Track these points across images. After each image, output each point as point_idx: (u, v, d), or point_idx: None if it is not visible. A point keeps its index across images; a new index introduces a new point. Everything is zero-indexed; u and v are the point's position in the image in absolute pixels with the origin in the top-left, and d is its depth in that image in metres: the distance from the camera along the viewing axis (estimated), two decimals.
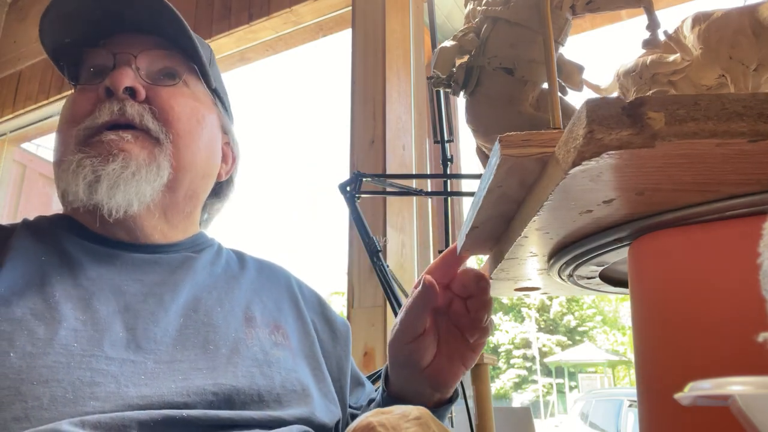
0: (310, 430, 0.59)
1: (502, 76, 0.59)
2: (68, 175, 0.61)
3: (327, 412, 0.64)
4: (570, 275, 0.55)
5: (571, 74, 0.61)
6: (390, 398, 0.67)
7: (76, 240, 0.63)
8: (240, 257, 0.77)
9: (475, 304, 0.61)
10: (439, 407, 0.67)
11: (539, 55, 0.57)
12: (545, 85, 0.61)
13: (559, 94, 0.60)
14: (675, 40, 0.56)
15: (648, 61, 0.61)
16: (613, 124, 0.29)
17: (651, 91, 0.59)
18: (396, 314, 1.21)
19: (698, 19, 0.56)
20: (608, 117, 0.29)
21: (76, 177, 0.61)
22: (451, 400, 0.68)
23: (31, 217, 0.68)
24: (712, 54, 0.53)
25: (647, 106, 0.29)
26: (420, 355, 0.62)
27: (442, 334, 0.64)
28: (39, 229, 0.64)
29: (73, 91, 0.70)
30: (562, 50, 0.62)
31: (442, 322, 0.64)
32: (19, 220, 0.67)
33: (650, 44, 0.55)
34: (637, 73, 0.60)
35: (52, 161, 0.68)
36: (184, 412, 0.50)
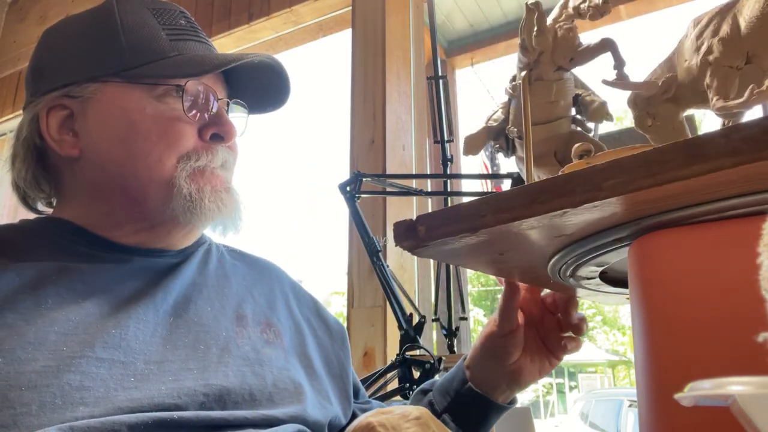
0: (304, 428, 0.58)
1: (519, 141, 0.73)
2: (178, 197, 0.63)
3: (321, 409, 0.64)
4: (570, 275, 0.55)
5: (597, 111, 0.68)
6: (470, 389, 0.74)
7: (72, 244, 0.62)
8: (232, 254, 0.77)
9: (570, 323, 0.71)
10: (502, 407, 0.75)
11: (543, 118, 0.68)
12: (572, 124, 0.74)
13: (584, 131, 0.73)
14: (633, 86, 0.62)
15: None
16: (402, 236, 0.50)
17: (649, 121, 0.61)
18: (396, 314, 1.21)
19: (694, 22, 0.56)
20: (400, 233, 0.50)
21: (193, 200, 0.64)
22: (511, 403, 0.76)
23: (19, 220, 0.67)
24: (694, 72, 0.54)
25: (419, 222, 0.49)
26: (509, 351, 0.71)
27: (528, 340, 0.73)
28: (30, 232, 0.63)
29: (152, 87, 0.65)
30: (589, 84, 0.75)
31: (530, 330, 0.73)
32: (17, 220, 0.66)
33: (619, 83, 0.62)
34: (632, 101, 0.65)
35: (125, 162, 0.64)
36: (175, 414, 0.50)
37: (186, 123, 0.65)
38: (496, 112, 0.80)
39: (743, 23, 0.48)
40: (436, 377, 1.07)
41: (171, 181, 0.63)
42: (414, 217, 0.49)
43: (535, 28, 0.67)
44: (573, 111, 0.72)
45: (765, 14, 0.47)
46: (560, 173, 0.43)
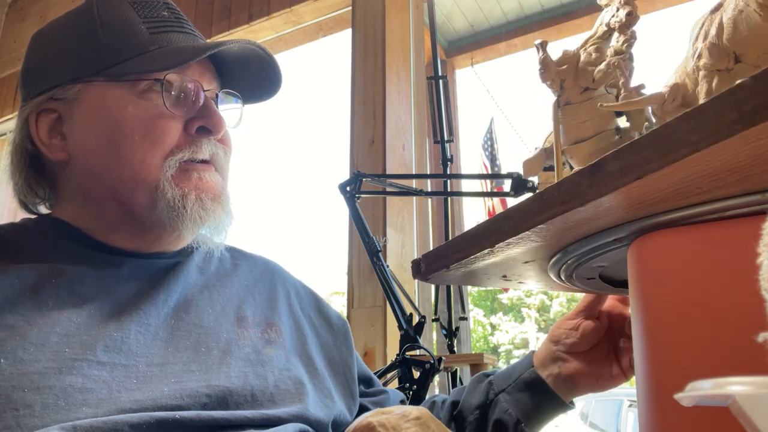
0: (306, 427, 0.58)
1: (570, 160, 0.78)
2: (161, 202, 0.62)
3: (323, 407, 0.64)
4: (570, 275, 0.55)
5: (636, 119, 0.71)
6: (533, 372, 0.74)
7: (72, 245, 0.62)
8: (232, 253, 0.76)
9: None
10: (556, 400, 0.73)
11: (580, 137, 0.72)
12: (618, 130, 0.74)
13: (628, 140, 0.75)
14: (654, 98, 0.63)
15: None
16: (415, 270, 0.60)
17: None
18: (395, 314, 1.21)
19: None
20: (413, 268, 0.60)
21: (175, 208, 0.62)
22: (571, 404, 0.75)
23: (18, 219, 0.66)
24: (692, 77, 0.54)
25: (422, 259, 0.58)
26: (576, 339, 0.72)
27: (599, 346, 0.73)
28: (30, 233, 0.63)
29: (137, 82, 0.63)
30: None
31: (606, 340, 0.73)
32: (18, 219, 0.66)
33: (625, 104, 0.65)
34: (651, 110, 0.66)
35: (115, 166, 0.62)
36: (177, 414, 0.50)
37: (169, 118, 0.63)
38: (551, 134, 0.84)
39: (725, 24, 0.49)
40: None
41: (156, 183, 0.62)
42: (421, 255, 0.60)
43: (539, 66, 0.71)
44: (621, 121, 0.74)
45: (739, 12, 0.47)
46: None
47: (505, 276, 0.59)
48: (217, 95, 0.69)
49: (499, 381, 0.76)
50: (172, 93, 0.64)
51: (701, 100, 0.52)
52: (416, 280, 2.00)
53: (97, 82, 0.64)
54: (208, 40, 0.71)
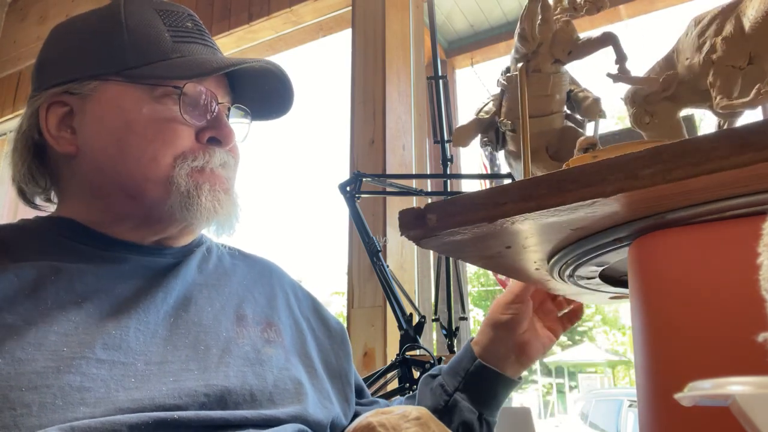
0: (305, 428, 0.58)
1: (510, 135, 0.73)
2: (175, 194, 0.63)
3: (322, 408, 0.64)
4: (570, 275, 0.55)
5: (591, 107, 0.68)
6: (480, 364, 0.78)
7: (72, 243, 0.62)
8: (232, 253, 0.77)
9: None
10: (511, 381, 0.79)
11: (537, 111, 0.67)
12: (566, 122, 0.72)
13: (576, 127, 0.72)
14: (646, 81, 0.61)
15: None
16: (411, 224, 0.47)
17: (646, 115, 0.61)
18: (395, 314, 1.21)
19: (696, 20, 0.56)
20: (408, 221, 0.47)
21: (190, 196, 0.63)
22: (520, 378, 0.81)
23: (18, 219, 0.67)
24: (695, 70, 0.54)
25: (428, 211, 0.46)
26: (520, 320, 0.77)
27: (535, 319, 0.80)
28: (29, 232, 0.63)
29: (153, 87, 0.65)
30: (583, 83, 0.73)
31: (534, 313, 0.81)
32: (17, 219, 0.66)
33: (622, 77, 0.61)
34: (629, 98, 0.63)
35: (122, 162, 0.63)
36: (176, 414, 0.50)
37: (182, 124, 0.65)
38: (486, 104, 0.78)
39: (747, 24, 0.48)
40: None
41: (168, 179, 0.63)
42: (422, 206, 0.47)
43: (539, 17, 0.66)
44: (565, 107, 0.72)
45: None
46: (564, 167, 0.43)
47: (509, 247, 0.52)
48: (229, 109, 0.71)
49: (450, 380, 0.79)
50: (188, 102, 0.65)
51: (716, 93, 0.51)
52: (416, 280, 2.00)
53: (114, 81, 0.65)
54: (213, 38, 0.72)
